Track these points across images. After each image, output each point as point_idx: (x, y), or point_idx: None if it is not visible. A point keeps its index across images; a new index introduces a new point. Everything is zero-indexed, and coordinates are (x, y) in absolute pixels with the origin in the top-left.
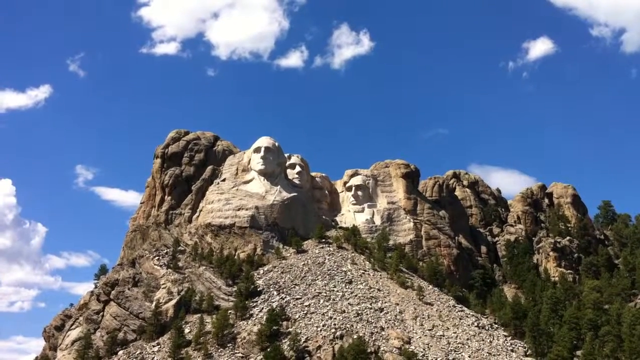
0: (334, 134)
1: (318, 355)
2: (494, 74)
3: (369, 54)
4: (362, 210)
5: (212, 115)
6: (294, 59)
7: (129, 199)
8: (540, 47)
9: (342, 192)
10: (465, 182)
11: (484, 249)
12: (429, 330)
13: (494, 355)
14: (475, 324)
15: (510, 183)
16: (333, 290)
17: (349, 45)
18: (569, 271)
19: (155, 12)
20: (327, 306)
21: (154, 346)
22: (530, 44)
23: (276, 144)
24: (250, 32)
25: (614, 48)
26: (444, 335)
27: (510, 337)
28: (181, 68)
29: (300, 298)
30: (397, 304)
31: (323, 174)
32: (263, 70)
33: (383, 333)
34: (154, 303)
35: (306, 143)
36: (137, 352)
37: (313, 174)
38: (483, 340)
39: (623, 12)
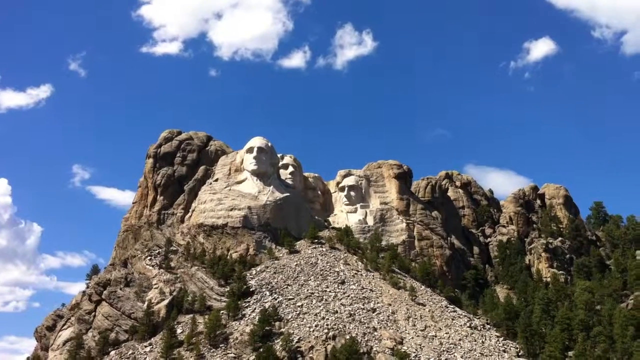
0: (330, 135)
1: (310, 355)
2: (495, 74)
3: (371, 54)
4: (355, 211)
5: (213, 116)
6: (296, 60)
7: (126, 198)
8: (542, 48)
9: (335, 192)
10: (457, 183)
11: (476, 249)
12: (422, 330)
13: (486, 355)
14: (468, 324)
15: (506, 184)
16: (326, 291)
17: (351, 46)
18: (560, 272)
19: (156, 11)
20: (320, 306)
21: (146, 346)
22: (531, 45)
23: (269, 144)
24: (254, 33)
25: (615, 50)
26: (436, 336)
27: (502, 338)
28: (183, 68)
29: (293, 298)
30: (390, 305)
31: (316, 174)
32: (265, 71)
33: (375, 333)
34: (146, 303)
35: (302, 144)
36: (129, 353)
37: (306, 174)
38: (475, 340)
39: (624, 14)
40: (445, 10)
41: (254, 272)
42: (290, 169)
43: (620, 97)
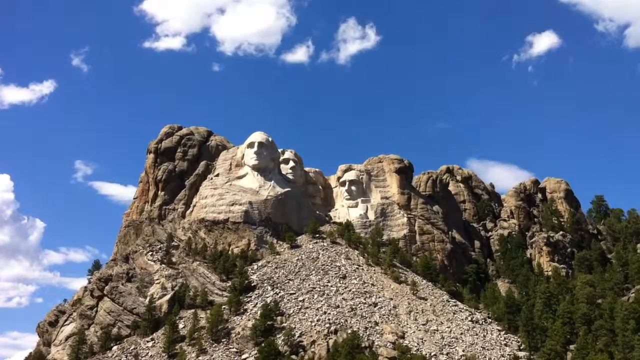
0: (331, 129)
1: (312, 350)
2: (498, 67)
3: (374, 49)
4: (356, 205)
5: (216, 111)
6: (299, 55)
7: (128, 194)
8: (545, 41)
9: (336, 187)
10: (458, 177)
11: (477, 243)
12: (423, 324)
13: (487, 349)
14: (469, 318)
15: (507, 178)
16: (327, 285)
17: (354, 40)
18: (562, 266)
19: (159, 5)
20: (321, 301)
21: (148, 341)
22: (535, 38)
23: (270, 139)
24: (257, 28)
25: (618, 43)
26: (437, 330)
27: (503, 332)
28: (186, 63)
29: (294, 293)
30: (391, 299)
31: (317, 169)
32: (268, 66)
33: (377, 328)
34: (148, 298)
35: (303, 138)
36: (132, 348)
37: (307, 169)
38: (477, 334)
39: (627, 7)
40: (448, 4)
41: (255, 267)
42: (291, 163)
43: (623, 91)
